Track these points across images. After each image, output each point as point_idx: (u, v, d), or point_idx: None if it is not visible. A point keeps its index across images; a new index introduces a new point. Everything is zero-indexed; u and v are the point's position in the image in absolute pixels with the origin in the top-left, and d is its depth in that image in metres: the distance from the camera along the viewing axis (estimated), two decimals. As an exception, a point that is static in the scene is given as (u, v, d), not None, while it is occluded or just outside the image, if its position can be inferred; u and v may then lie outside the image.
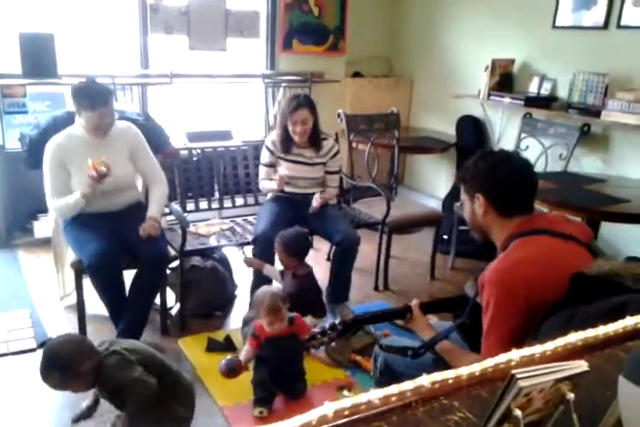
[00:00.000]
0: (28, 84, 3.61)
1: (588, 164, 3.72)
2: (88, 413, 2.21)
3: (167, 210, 3.22)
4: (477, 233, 1.79)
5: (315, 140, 3.22)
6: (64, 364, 1.88)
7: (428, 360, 1.81)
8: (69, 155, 2.68)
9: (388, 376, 1.93)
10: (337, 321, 1.81)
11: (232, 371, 2.33)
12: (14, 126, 3.76)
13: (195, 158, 3.48)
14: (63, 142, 2.70)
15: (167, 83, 4.02)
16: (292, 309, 2.79)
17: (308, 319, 2.77)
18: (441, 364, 1.74)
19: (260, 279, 3.06)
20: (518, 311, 1.50)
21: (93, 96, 2.61)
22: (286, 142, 3.21)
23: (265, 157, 3.29)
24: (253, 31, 4.40)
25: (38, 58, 3.53)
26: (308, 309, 2.81)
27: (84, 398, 2.24)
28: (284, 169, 3.23)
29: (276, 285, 2.92)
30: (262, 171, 3.31)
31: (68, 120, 3.01)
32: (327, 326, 1.81)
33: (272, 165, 3.28)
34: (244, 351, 2.42)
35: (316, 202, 3.16)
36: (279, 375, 2.43)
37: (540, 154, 3.80)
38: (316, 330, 1.84)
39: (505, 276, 1.53)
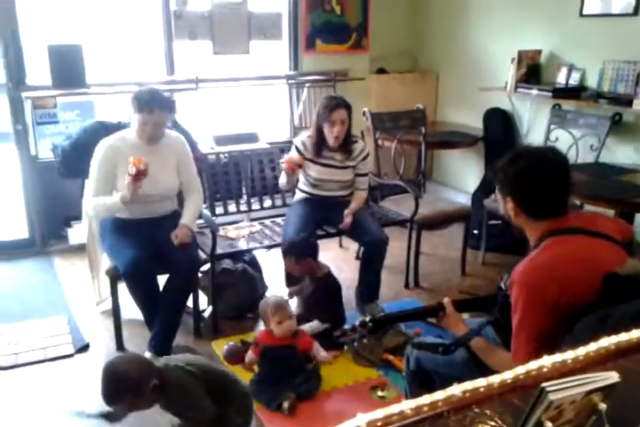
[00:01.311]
0: (59, 95, 3.68)
1: (620, 154, 3.64)
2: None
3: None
4: (515, 229, 1.77)
5: (346, 143, 3.20)
6: (135, 384, 1.77)
7: (459, 359, 1.80)
8: (119, 157, 2.71)
9: (419, 376, 1.93)
10: (367, 318, 1.81)
11: (232, 356, 2.37)
12: (46, 136, 3.84)
13: (222, 162, 3.51)
14: (115, 144, 2.75)
15: (193, 88, 4.06)
16: (310, 313, 2.80)
17: (314, 324, 2.78)
18: (471, 363, 1.74)
19: (292, 279, 3.09)
20: (547, 313, 1.48)
21: (140, 101, 2.66)
22: (319, 145, 3.19)
23: (294, 154, 3.28)
24: (276, 33, 4.41)
25: (67, 69, 3.61)
26: (325, 310, 2.81)
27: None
28: (313, 172, 3.22)
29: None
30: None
31: (98, 130, 3.08)
32: (357, 322, 1.82)
33: (298, 166, 3.27)
34: (247, 357, 2.50)
35: (347, 218, 3.11)
36: (281, 377, 2.46)
37: (571, 145, 3.73)
38: (347, 326, 1.84)
39: (534, 277, 1.52)
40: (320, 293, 2.88)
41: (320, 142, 3.18)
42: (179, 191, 2.97)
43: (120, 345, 2.87)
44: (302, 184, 3.33)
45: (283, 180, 3.26)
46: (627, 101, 3.40)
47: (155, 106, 2.65)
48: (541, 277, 1.50)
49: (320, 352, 2.56)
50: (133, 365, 1.83)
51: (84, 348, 2.88)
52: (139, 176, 2.57)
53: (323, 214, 3.18)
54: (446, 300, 1.86)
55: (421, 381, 1.93)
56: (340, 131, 3.10)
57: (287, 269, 2.94)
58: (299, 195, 3.36)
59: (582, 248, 1.55)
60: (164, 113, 2.72)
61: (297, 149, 3.24)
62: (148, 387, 1.78)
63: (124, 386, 1.78)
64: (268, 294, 3.37)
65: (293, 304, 2.97)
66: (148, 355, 2.66)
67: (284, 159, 3.10)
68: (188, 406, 1.87)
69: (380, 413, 0.80)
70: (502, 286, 1.82)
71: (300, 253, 2.87)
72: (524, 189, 1.62)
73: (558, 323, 1.44)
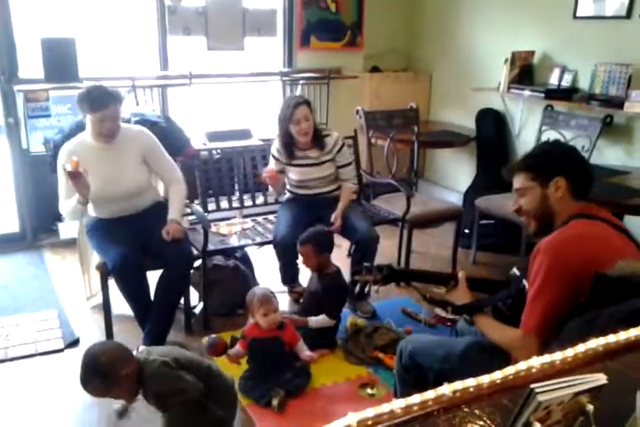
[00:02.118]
0: (51, 89, 3.66)
1: (610, 156, 3.67)
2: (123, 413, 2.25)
3: (188, 210, 3.26)
4: (538, 221, 1.78)
5: (317, 138, 3.20)
6: (105, 369, 1.83)
7: (455, 354, 1.82)
8: (81, 161, 2.69)
9: (412, 371, 1.94)
10: (386, 264, 1.88)
11: (211, 348, 2.38)
12: (38, 130, 3.83)
13: (215, 158, 3.51)
14: (74, 149, 2.74)
15: (186, 84, 4.05)
16: (316, 308, 2.82)
17: (321, 319, 2.79)
18: (468, 357, 1.76)
19: (288, 269, 3.14)
20: (566, 284, 1.52)
21: (92, 99, 2.63)
22: (289, 147, 3.19)
23: (272, 164, 3.29)
24: (271, 29, 4.41)
25: (60, 62, 3.59)
26: (331, 308, 2.82)
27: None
28: (293, 175, 3.24)
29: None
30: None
31: (90, 124, 3.05)
32: (376, 267, 1.85)
33: (281, 172, 3.27)
34: (234, 350, 2.50)
35: (336, 221, 3.12)
36: (270, 373, 2.48)
37: (562, 147, 3.76)
38: (366, 264, 1.90)
39: (561, 247, 1.57)
40: (331, 290, 2.88)
41: (290, 144, 3.19)
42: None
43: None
44: (289, 186, 3.35)
45: (270, 190, 3.32)
46: (618, 104, 3.42)
47: (109, 100, 2.64)
48: (568, 248, 1.56)
49: (304, 351, 2.57)
50: (108, 351, 1.90)
51: (74, 343, 2.88)
52: (76, 177, 2.54)
53: (313, 213, 3.19)
54: (461, 273, 1.92)
55: (413, 376, 1.94)
56: (306, 127, 3.11)
57: (303, 257, 2.89)
58: (288, 194, 3.38)
59: (607, 235, 1.63)
60: (117, 106, 2.69)
61: (274, 157, 3.26)
62: (118, 374, 1.84)
63: (93, 370, 1.85)
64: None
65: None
66: (142, 348, 2.66)
67: (265, 173, 3.10)
68: (168, 393, 1.89)
69: (370, 412, 0.81)
70: (512, 274, 1.85)
71: (322, 244, 2.87)
72: (578, 166, 1.74)
73: (574, 299, 1.48)
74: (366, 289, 2.03)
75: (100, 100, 2.62)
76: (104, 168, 2.69)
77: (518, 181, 1.79)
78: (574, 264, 1.52)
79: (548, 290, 1.56)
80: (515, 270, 1.85)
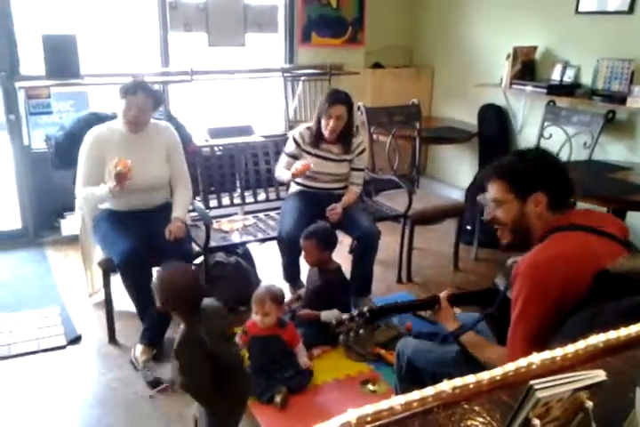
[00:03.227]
0: (52, 86, 3.66)
1: (613, 151, 3.67)
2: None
3: (190, 206, 3.26)
4: (514, 234, 1.69)
5: (346, 137, 3.22)
6: (174, 288, 1.94)
7: (450, 357, 1.82)
8: (107, 146, 2.74)
9: (410, 373, 1.94)
10: (365, 308, 1.83)
11: None
12: (40, 126, 3.83)
13: (216, 155, 3.50)
14: (103, 133, 2.76)
15: (188, 80, 4.04)
16: (321, 303, 2.82)
17: (332, 313, 2.79)
18: (463, 361, 1.75)
19: (291, 266, 3.14)
20: (547, 310, 1.48)
21: (127, 86, 2.71)
22: (317, 137, 3.20)
23: (290, 147, 3.28)
24: (272, 25, 4.40)
25: (61, 59, 3.58)
26: (333, 305, 2.83)
27: (115, 400, 2.29)
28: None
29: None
30: (283, 160, 3.30)
31: (91, 121, 3.06)
32: (355, 312, 1.83)
33: (295, 157, 3.27)
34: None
35: (337, 208, 3.13)
36: (271, 370, 2.48)
37: (564, 142, 3.75)
38: (345, 316, 1.85)
39: (540, 273, 1.50)
40: (335, 286, 2.89)
41: (318, 133, 3.19)
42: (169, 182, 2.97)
43: (112, 337, 2.88)
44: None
45: (284, 177, 3.25)
46: (620, 99, 3.41)
47: (138, 89, 2.70)
48: (547, 274, 1.48)
49: (302, 356, 2.58)
50: (186, 275, 2.02)
51: (76, 339, 2.88)
52: (121, 179, 2.58)
53: (317, 208, 3.19)
54: (443, 294, 1.87)
55: (412, 377, 1.95)
56: (335, 126, 3.12)
57: (305, 253, 2.88)
58: (294, 188, 3.37)
59: (586, 246, 1.54)
60: (148, 98, 2.72)
61: (294, 140, 3.25)
62: (181, 295, 1.92)
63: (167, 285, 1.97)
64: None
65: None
66: (139, 347, 2.67)
67: (300, 166, 3.08)
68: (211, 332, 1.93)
69: (369, 408, 0.81)
70: (498, 284, 1.83)
71: (328, 242, 2.88)
72: (559, 178, 1.63)
73: (557, 322, 1.44)
74: (351, 334, 2.00)
75: (132, 87, 2.70)
76: (130, 157, 2.67)
77: (494, 190, 1.68)
78: (553, 288, 1.47)
79: (529, 314, 1.51)
80: (500, 278, 1.84)
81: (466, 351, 1.74)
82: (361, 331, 1.85)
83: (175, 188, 2.97)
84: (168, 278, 2.00)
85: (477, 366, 1.65)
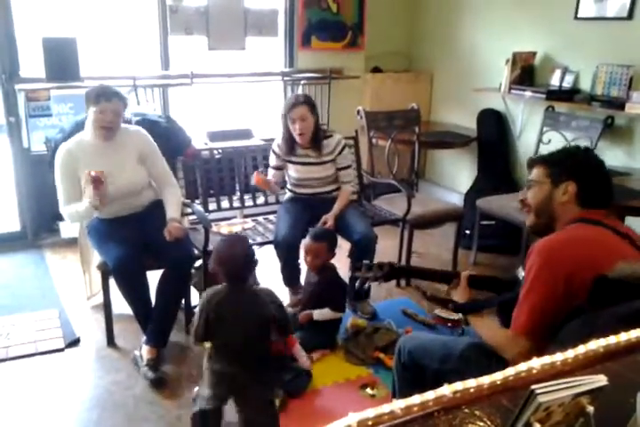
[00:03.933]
0: (52, 88, 3.66)
1: (611, 157, 3.67)
2: None
3: (189, 210, 3.26)
4: (537, 216, 1.79)
5: (316, 139, 3.19)
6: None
7: (456, 354, 1.82)
8: (79, 161, 2.71)
9: (410, 369, 1.94)
10: (388, 262, 1.89)
11: None
12: (39, 129, 3.83)
13: (216, 158, 3.51)
14: (72, 148, 2.74)
15: (188, 84, 4.05)
16: (317, 302, 2.82)
17: (325, 312, 2.80)
18: (469, 358, 1.76)
19: (290, 270, 3.14)
20: (555, 286, 1.52)
21: (98, 92, 2.68)
22: (290, 144, 3.19)
23: (272, 160, 3.29)
24: (272, 29, 4.41)
25: (61, 62, 3.59)
26: (329, 303, 2.83)
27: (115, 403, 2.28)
28: (293, 172, 3.23)
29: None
30: (270, 173, 3.30)
31: (91, 123, 3.05)
32: (377, 263, 1.85)
33: (279, 168, 3.28)
34: None
35: (329, 221, 3.12)
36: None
37: (563, 148, 3.76)
38: (366, 261, 1.89)
39: (553, 250, 1.57)
40: (332, 285, 2.88)
41: (291, 141, 3.18)
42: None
43: (111, 340, 2.88)
44: (289, 184, 3.35)
45: (268, 191, 3.32)
46: (619, 105, 3.42)
47: (113, 95, 2.69)
48: (560, 251, 1.56)
49: (302, 357, 2.56)
50: (236, 245, 2.17)
51: (74, 342, 2.88)
52: (97, 184, 2.55)
53: (313, 213, 3.19)
54: (465, 273, 1.92)
55: (411, 374, 1.94)
56: (301, 128, 3.09)
57: (312, 255, 2.85)
58: (288, 194, 3.39)
59: (603, 238, 1.62)
60: (121, 103, 2.72)
61: (274, 152, 3.26)
62: (228, 263, 2.08)
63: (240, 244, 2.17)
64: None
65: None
66: (145, 347, 2.67)
67: (253, 177, 3.10)
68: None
69: (370, 412, 0.81)
70: (519, 276, 1.85)
71: (334, 243, 2.89)
72: (595, 179, 1.72)
73: (566, 301, 1.48)
74: (365, 286, 2.04)
75: (105, 94, 2.68)
76: (103, 167, 2.69)
77: (534, 173, 1.79)
78: (565, 267, 1.52)
79: (535, 291, 1.56)
80: (520, 271, 1.85)
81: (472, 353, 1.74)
82: (378, 282, 1.90)
83: (161, 189, 2.95)
84: (219, 246, 2.18)
85: (485, 364, 1.65)
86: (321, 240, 2.83)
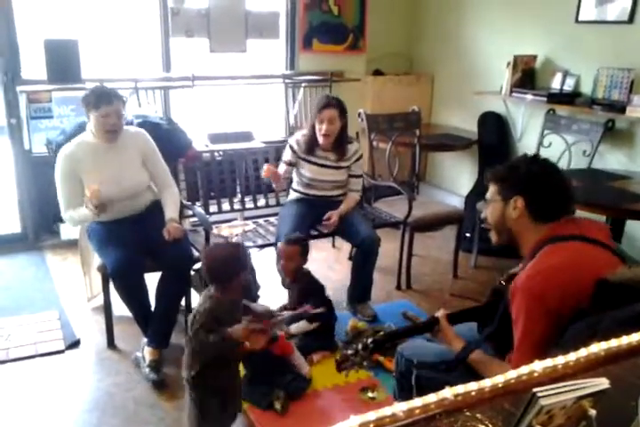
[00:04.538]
0: (54, 90, 3.67)
1: (612, 160, 3.68)
2: None
3: (190, 212, 3.26)
4: (498, 234, 1.76)
5: (341, 144, 3.21)
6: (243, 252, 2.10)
7: (450, 365, 1.81)
8: (80, 163, 2.70)
9: (409, 378, 1.93)
10: (369, 340, 1.79)
11: None
12: (40, 131, 3.83)
13: (217, 160, 3.51)
14: (73, 151, 2.72)
15: (189, 86, 4.05)
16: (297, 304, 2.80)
17: (301, 324, 2.76)
18: (466, 368, 1.75)
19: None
20: (550, 320, 1.49)
21: (97, 96, 2.66)
22: (312, 144, 3.20)
23: (287, 154, 3.29)
24: (273, 32, 4.41)
25: (63, 64, 3.60)
26: (311, 302, 2.76)
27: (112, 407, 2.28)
28: (306, 171, 3.23)
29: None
30: (281, 168, 3.29)
31: (92, 125, 3.06)
32: (359, 346, 1.81)
33: (292, 164, 3.28)
34: None
35: (334, 216, 3.14)
36: (269, 376, 2.46)
37: (564, 150, 3.76)
38: (349, 351, 1.81)
39: (537, 284, 1.51)
40: (308, 290, 2.85)
41: (313, 141, 3.19)
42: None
43: (111, 342, 2.88)
44: (296, 184, 3.34)
45: (273, 184, 3.28)
46: (620, 108, 3.43)
47: (113, 97, 2.67)
48: (545, 285, 1.50)
49: (304, 368, 2.56)
50: (225, 250, 2.12)
51: (74, 344, 2.88)
52: (97, 208, 2.55)
53: (316, 215, 3.19)
54: (440, 313, 1.85)
55: (410, 382, 1.93)
56: (327, 130, 3.11)
57: (286, 259, 2.81)
58: (292, 194, 3.38)
59: (581, 255, 1.56)
60: (120, 103, 2.71)
61: (291, 147, 3.25)
62: (216, 268, 2.04)
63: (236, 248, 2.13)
64: (259, 293, 3.38)
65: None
66: (147, 349, 2.66)
67: (264, 169, 3.08)
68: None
69: (372, 415, 0.81)
70: (499, 285, 1.83)
71: (307, 247, 2.87)
72: (542, 190, 1.65)
73: (560, 331, 1.45)
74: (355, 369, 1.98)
75: (105, 97, 2.66)
76: (105, 169, 2.69)
77: (489, 191, 1.76)
78: (552, 299, 1.48)
79: (532, 330, 1.52)
80: (499, 283, 1.84)
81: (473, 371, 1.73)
82: (365, 363, 1.83)
83: (161, 190, 2.94)
84: (209, 250, 2.18)
85: (479, 375, 1.64)
86: (294, 243, 2.81)
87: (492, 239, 1.80)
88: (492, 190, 1.74)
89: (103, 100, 2.64)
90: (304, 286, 2.87)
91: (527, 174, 1.67)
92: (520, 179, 1.67)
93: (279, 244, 2.89)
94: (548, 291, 1.49)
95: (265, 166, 3.08)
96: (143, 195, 2.89)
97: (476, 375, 1.67)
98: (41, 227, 4.04)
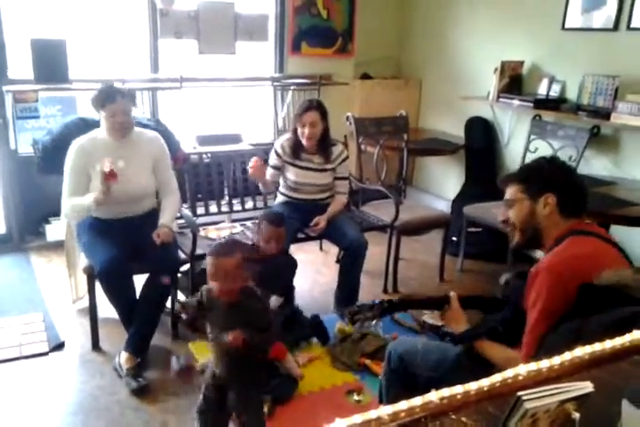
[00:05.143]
0: (40, 90, 3.64)
1: (597, 166, 3.71)
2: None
3: (177, 214, 3.25)
4: (523, 233, 1.79)
5: (324, 146, 3.22)
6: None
7: (447, 363, 1.82)
8: (92, 157, 2.70)
9: (401, 375, 1.93)
10: (385, 300, 1.85)
11: (182, 373, 2.31)
12: (26, 131, 3.80)
13: (205, 162, 3.50)
14: (86, 145, 2.73)
15: (177, 87, 4.04)
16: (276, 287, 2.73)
17: (274, 300, 2.68)
18: (460, 366, 1.75)
19: None
20: (565, 304, 1.52)
21: (102, 95, 2.68)
22: (296, 147, 3.21)
23: (272, 159, 3.29)
24: (262, 34, 4.41)
25: (50, 63, 3.57)
26: (275, 287, 2.71)
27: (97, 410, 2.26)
28: (291, 175, 3.24)
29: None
30: (267, 173, 3.29)
31: (79, 126, 3.05)
32: (375, 301, 1.83)
33: (278, 168, 3.29)
34: None
35: (321, 222, 3.14)
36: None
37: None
38: (366, 302, 1.86)
39: (559, 272, 1.57)
40: (284, 266, 2.86)
41: (297, 144, 3.20)
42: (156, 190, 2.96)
43: (96, 344, 2.85)
44: (282, 187, 3.35)
45: (260, 186, 3.30)
46: (605, 114, 3.46)
47: (116, 95, 2.68)
48: (566, 268, 1.56)
49: (294, 369, 2.56)
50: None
51: (59, 346, 2.85)
52: (108, 178, 2.55)
53: (303, 218, 3.19)
54: (452, 294, 1.89)
55: (401, 379, 1.93)
56: (310, 133, 3.12)
57: (277, 240, 2.76)
58: (280, 198, 3.38)
59: (599, 250, 1.65)
60: (126, 101, 2.72)
61: (275, 152, 3.26)
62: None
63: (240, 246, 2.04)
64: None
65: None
66: (124, 354, 2.65)
67: (250, 164, 3.08)
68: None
69: (357, 418, 0.81)
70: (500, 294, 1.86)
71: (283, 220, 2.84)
72: (569, 187, 1.74)
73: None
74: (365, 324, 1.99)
75: (109, 95, 2.67)
76: (115, 166, 2.66)
77: (509, 192, 1.81)
78: (573, 283, 1.51)
79: (551, 312, 1.55)
80: (504, 276, 1.86)
81: (471, 355, 1.74)
82: (374, 321, 1.87)
83: (163, 196, 2.94)
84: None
85: (475, 373, 1.65)
86: (281, 225, 2.78)
87: (513, 240, 1.83)
88: (512, 192, 1.79)
89: (107, 99, 2.66)
90: (277, 266, 2.79)
91: (553, 173, 1.76)
92: (547, 177, 1.75)
93: (269, 227, 2.78)
94: (570, 278, 1.54)
95: (253, 158, 3.08)
96: (144, 201, 2.89)
97: (470, 373, 1.68)
98: (26, 228, 4.00)
